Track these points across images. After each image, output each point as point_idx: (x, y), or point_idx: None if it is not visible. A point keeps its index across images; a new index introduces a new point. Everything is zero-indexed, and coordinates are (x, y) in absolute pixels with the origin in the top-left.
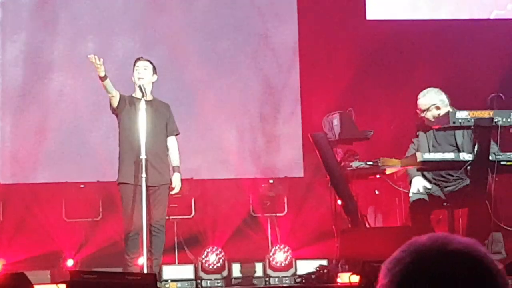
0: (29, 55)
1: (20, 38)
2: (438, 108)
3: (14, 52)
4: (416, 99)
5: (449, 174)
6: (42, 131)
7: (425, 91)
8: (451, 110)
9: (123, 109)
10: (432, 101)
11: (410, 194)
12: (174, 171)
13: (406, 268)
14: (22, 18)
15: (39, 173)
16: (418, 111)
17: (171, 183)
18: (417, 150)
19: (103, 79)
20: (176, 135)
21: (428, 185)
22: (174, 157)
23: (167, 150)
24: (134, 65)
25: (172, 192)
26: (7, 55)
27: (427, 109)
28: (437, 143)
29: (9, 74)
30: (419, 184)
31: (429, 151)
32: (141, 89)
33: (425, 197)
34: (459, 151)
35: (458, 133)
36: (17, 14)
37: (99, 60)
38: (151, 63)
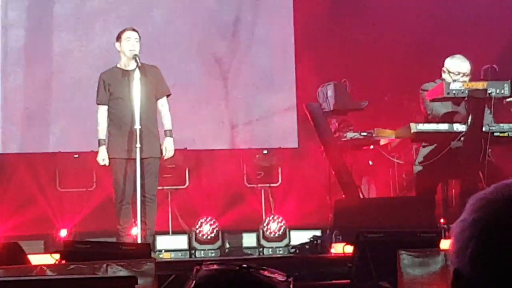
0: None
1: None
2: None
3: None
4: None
5: None
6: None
7: (460, 56)
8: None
9: (111, 93)
10: (471, 69)
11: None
12: (166, 135)
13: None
14: None
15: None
16: (456, 74)
17: (161, 154)
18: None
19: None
20: (167, 95)
21: None
22: (166, 120)
23: (156, 118)
24: (122, 34)
25: (165, 157)
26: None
27: (468, 75)
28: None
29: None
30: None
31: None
32: (136, 60)
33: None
34: None
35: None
36: None
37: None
38: (139, 34)
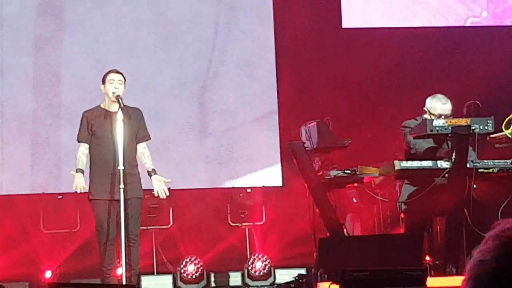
0: None
1: None
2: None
3: None
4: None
5: None
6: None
7: (441, 96)
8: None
9: (93, 132)
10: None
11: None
12: (152, 174)
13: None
14: None
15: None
16: (437, 116)
17: (142, 195)
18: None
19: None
20: (147, 140)
21: None
22: (148, 162)
23: (136, 159)
24: (106, 77)
25: (159, 191)
26: None
27: (450, 116)
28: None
29: None
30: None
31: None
32: (119, 101)
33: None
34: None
35: None
36: None
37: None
38: (123, 76)
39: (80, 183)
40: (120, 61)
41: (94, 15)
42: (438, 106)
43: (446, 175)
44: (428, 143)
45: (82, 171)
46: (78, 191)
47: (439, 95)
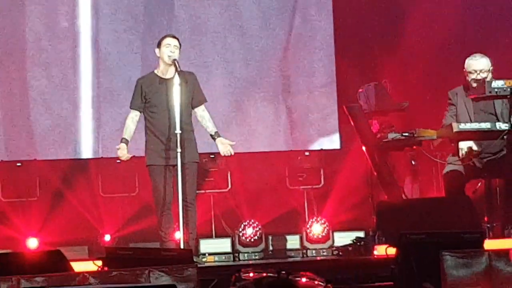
0: None
1: None
2: (492, 73)
3: None
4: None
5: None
6: None
7: (476, 54)
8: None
9: (148, 100)
10: (490, 65)
11: (446, 165)
12: (216, 137)
13: None
14: None
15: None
16: (473, 72)
17: (199, 160)
18: (457, 119)
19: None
20: (204, 103)
21: (475, 147)
22: (210, 125)
23: (192, 124)
24: (162, 41)
25: (226, 153)
26: None
27: (488, 71)
28: (479, 110)
29: None
30: (465, 145)
31: (471, 120)
32: (175, 65)
33: (460, 168)
34: (498, 120)
35: (497, 102)
36: None
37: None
38: (179, 42)
39: (124, 155)
40: None
41: None
42: (471, 62)
43: (505, 136)
44: (460, 119)
45: (127, 142)
46: (123, 159)
47: (476, 54)
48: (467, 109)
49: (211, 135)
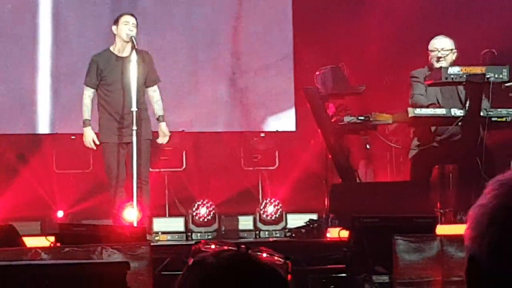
0: None
1: None
2: (454, 54)
3: None
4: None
5: None
6: None
7: (440, 35)
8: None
9: (103, 77)
10: (453, 45)
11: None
12: (159, 121)
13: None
14: None
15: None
16: (435, 51)
17: (152, 138)
18: (427, 97)
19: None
20: (157, 83)
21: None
22: (158, 107)
23: (145, 102)
24: (120, 18)
25: (160, 141)
26: None
27: (450, 51)
28: (445, 95)
29: None
30: None
31: (438, 103)
32: (132, 42)
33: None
34: (464, 105)
35: (460, 87)
36: None
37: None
38: (137, 21)
39: (90, 141)
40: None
41: None
42: (434, 41)
43: (459, 123)
44: (428, 100)
45: (90, 123)
46: (89, 146)
47: (440, 35)
48: (435, 91)
49: (156, 117)
